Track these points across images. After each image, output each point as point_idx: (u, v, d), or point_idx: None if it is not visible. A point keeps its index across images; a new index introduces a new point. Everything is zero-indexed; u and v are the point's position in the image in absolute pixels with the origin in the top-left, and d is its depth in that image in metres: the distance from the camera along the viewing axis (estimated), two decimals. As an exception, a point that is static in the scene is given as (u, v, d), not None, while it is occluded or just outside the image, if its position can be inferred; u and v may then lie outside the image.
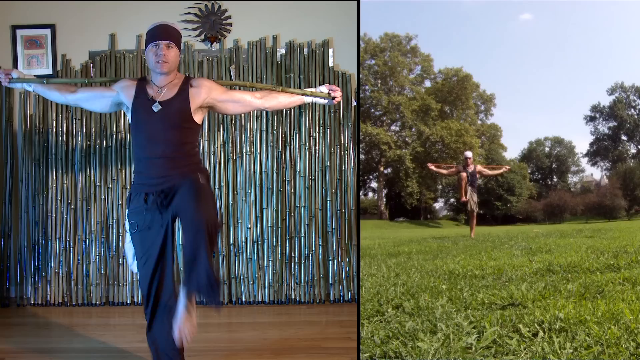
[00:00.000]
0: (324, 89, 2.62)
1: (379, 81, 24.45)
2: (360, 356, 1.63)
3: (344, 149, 3.89)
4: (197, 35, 3.84)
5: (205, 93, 2.43)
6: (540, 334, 1.61)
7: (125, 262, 3.77)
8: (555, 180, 29.30)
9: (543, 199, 26.56)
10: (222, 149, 3.81)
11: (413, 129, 24.73)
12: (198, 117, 2.44)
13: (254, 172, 3.82)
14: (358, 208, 3.93)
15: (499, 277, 2.61)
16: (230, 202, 3.80)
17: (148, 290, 2.38)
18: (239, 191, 3.82)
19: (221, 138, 3.82)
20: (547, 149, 29.46)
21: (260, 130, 3.83)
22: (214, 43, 3.86)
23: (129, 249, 2.51)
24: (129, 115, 2.44)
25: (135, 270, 2.51)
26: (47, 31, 3.85)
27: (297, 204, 3.84)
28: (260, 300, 3.80)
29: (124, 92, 2.42)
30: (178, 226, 2.47)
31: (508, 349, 1.53)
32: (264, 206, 3.82)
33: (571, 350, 1.46)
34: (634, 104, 27.22)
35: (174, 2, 3.82)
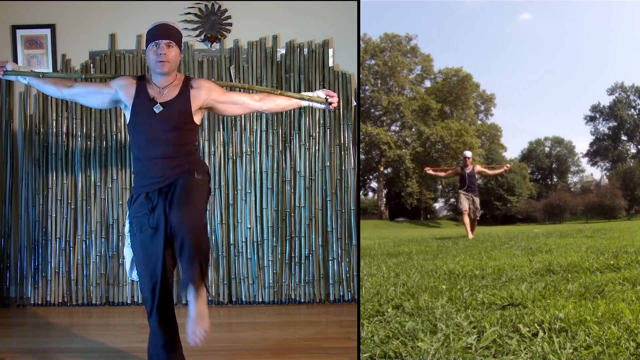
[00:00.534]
0: (321, 93, 2.64)
1: (379, 81, 24.46)
2: (360, 356, 1.63)
3: (344, 149, 3.89)
4: (197, 35, 3.84)
5: (206, 94, 2.43)
6: (540, 334, 1.60)
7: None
8: (555, 180, 29.31)
9: (543, 199, 26.57)
10: (222, 149, 3.81)
11: (413, 129, 24.74)
12: (197, 118, 2.44)
13: (254, 172, 3.82)
14: (358, 208, 3.93)
15: (499, 277, 2.61)
16: (230, 202, 3.80)
17: (152, 294, 2.35)
18: (239, 191, 3.82)
19: (221, 138, 3.82)
20: (547, 149, 29.48)
21: (260, 130, 3.83)
22: (214, 43, 3.86)
23: (127, 253, 2.49)
24: (127, 114, 2.42)
25: (134, 278, 2.50)
26: (47, 31, 3.85)
27: (297, 204, 3.84)
28: (260, 300, 3.80)
29: (122, 91, 2.40)
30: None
31: (508, 349, 1.52)
32: (264, 206, 3.82)
33: (571, 350, 1.46)
34: (634, 104, 27.22)
35: (174, 2, 3.82)
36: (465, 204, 6.13)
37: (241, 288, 3.80)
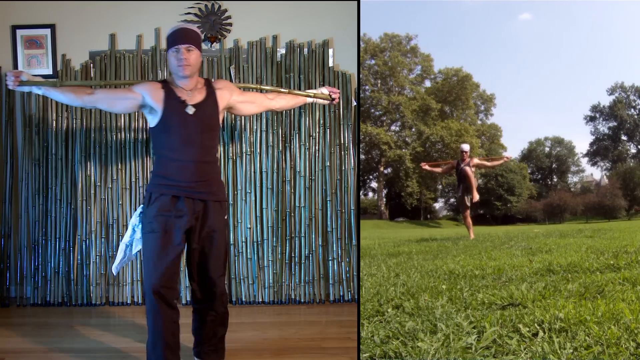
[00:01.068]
0: (324, 90, 2.81)
1: (379, 81, 24.47)
2: (360, 356, 1.63)
3: (344, 149, 3.89)
4: (197, 35, 3.84)
5: (229, 94, 2.52)
6: (540, 334, 1.60)
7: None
8: (555, 180, 29.32)
9: (543, 199, 26.58)
10: (222, 149, 3.81)
11: (413, 129, 24.75)
12: (221, 118, 2.52)
13: (254, 172, 3.82)
14: (358, 208, 3.93)
15: (499, 277, 2.61)
16: (230, 202, 3.80)
17: (156, 292, 2.35)
18: (239, 191, 3.82)
19: (221, 138, 3.82)
20: (547, 149, 29.49)
21: (260, 130, 3.83)
22: (214, 43, 3.86)
23: (122, 249, 2.51)
24: (151, 118, 2.42)
25: (115, 272, 2.62)
26: (47, 31, 3.85)
27: (297, 204, 3.84)
28: (260, 300, 3.80)
29: (150, 95, 2.40)
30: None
31: (508, 349, 1.52)
32: (264, 206, 3.82)
33: (571, 350, 1.46)
34: (634, 104, 27.23)
35: (174, 2, 3.82)
36: (468, 203, 5.89)
37: (241, 288, 3.80)
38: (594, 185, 27.78)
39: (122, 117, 3.79)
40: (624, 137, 27.40)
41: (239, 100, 2.55)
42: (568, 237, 5.19)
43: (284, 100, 2.71)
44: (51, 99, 3.77)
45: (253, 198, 3.82)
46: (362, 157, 23.83)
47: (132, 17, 3.86)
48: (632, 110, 27.14)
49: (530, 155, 29.15)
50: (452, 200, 26.70)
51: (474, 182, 5.91)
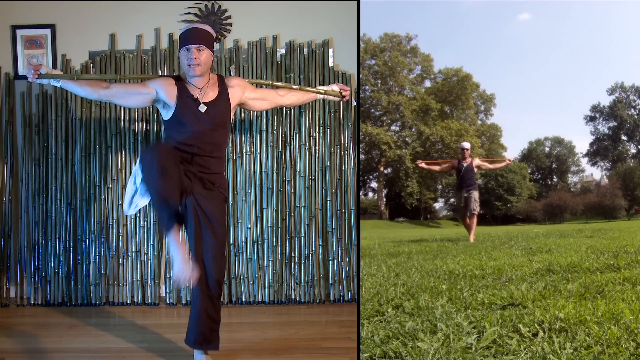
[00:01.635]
0: (335, 87, 2.87)
1: (379, 81, 24.48)
2: (360, 356, 1.63)
3: (344, 149, 3.89)
4: (197, 35, 3.84)
5: (241, 91, 2.57)
6: (540, 334, 1.61)
7: (126, 262, 3.77)
8: (555, 180, 29.33)
9: (543, 199, 26.60)
10: (222, 149, 3.81)
11: (413, 129, 24.77)
12: (232, 115, 2.57)
13: (254, 172, 3.82)
14: (358, 208, 3.93)
15: (499, 277, 2.62)
16: (231, 202, 3.80)
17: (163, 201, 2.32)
18: (239, 191, 3.82)
19: (221, 138, 3.82)
20: (547, 149, 29.51)
21: (260, 130, 3.83)
22: (214, 43, 3.85)
23: (130, 188, 2.49)
24: (165, 112, 2.49)
25: (129, 212, 2.52)
26: (47, 31, 3.85)
27: (297, 204, 3.84)
28: (260, 300, 3.80)
29: (164, 91, 2.46)
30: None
31: (508, 349, 1.53)
32: (264, 206, 3.82)
33: (571, 350, 1.46)
34: (634, 104, 27.24)
35: (174, 2, 3.82)
36: (471, 205, 5.62)
37: (241, 288, 3.80)
38: (594, 185, 27.79)
39: (122, 117, 3.78)
40: (624, 137, 27.41)
41: (251, 97, 2.61)
42: (568, 237, 5.19)
43: (294, 97, 2.77)
44: (51, 99, 3.77)
45: (253, 198, 3.82)
46: (362, 157, 23.83)
47: (132, 17, 3.86)
48: (632, 110, 27.15)
49: (530, 155, 29.16)
50: (452, 200, 26.70)
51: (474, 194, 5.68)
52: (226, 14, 3.88)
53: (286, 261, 3.83)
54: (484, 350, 1.53)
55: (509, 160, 6.59)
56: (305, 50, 3.87)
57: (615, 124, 27.32)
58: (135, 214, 3.76)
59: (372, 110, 24.60)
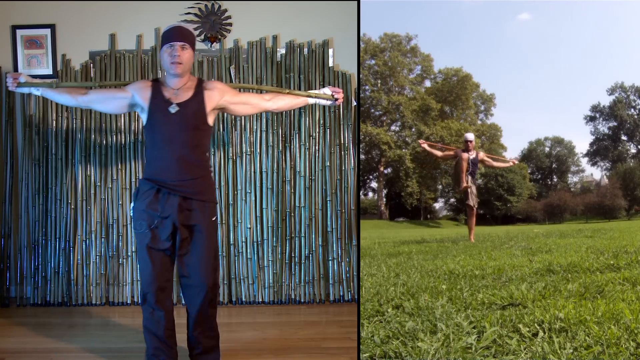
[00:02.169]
0: (327, 90, 2.74)
1: (379, 81, 24.48)
2: (360, 356, 1.63)
3: (344, 149, 3.89)
4: (197, 35, 3.84)
5: (219, 95, 2.49)
6: (540, 334, 1.60)
7: (126, 262, 3.77)
8: (555, 180, 29.33)
9: (543, 199, 26.60)
10: (222, 149, 3.81)
11: (413, 129, 24.76)
12: (211, 119, 2.50)
13: (254, 172, 3.82)
14: (358, 208, 3.93)
15: (499, 277, 2.61)
16: (230, 202, 3.80)
17: (152, 291, 2.40)
18: (239, 191, 3.82)
19: (221, 138, 3.82)
20: (547, 149, 29.50)
21: (260, 130, 3.83)
22: (214, 43, 3.86)
23: None
24: (143, 117, 2.47)
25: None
26: (47, 31, 3.85)
27: (297, 204, 3.84)
28: (260, 300, 3.80)
29: (138, 94, 2.44)
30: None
31: (508, 349, 1.52)
32: (264, 206, 3.82)
33: (571, 350, 1.46)
34: (634, 104, 27.24)
35: (174, 2, 3.82)
36: (473, 199, 5.43)
37: (241, 288, 3.80)
38: (594, 185, 27.79)
39: (122, 118, 3.79)
40: (624, 137, 27.41)
41: (232, 101, 2.53)
42: (568, 237, 5.19)
43: (282, 102, 2.65)
44: (50, 99, 3.77)
45: (253, 198, 3.82)
46: (362, 157, 23.84)
47: (132, 17, 3.86)
48: (632, 110, 27.15)
49: (530, 155, 29.16)
50: (452, 200, 26.70)
51: (475, 186, 5.54)
52: (226, 14, 3.89)
53: (286, 261, 3.83)
54: (484, 350, 1.53)
55: (513, 162, 6.46)
56: (305, 50, 3.87)
57: (615, 124, 27.32)
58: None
59: (372, 110, 24.60)
